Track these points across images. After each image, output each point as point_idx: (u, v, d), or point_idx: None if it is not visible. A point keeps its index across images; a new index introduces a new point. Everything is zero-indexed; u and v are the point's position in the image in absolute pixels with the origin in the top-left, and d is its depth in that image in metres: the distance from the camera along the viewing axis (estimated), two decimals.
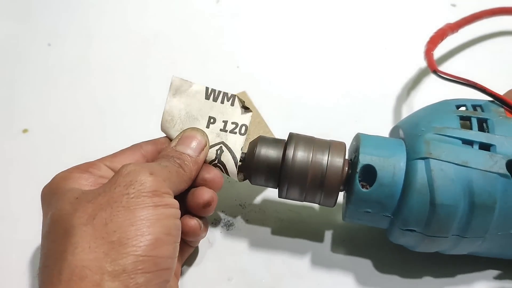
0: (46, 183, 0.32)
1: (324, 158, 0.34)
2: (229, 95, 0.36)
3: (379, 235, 0.38)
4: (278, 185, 0.35)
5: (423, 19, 0.55)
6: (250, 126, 0.36)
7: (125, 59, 0.52)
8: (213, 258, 0.38)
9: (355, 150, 0.35)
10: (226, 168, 0.35)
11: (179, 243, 0.30)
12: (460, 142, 0.32)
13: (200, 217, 0.34)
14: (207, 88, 0.36)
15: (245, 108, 0.36)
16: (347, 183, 0.34)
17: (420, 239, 0.33)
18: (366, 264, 0.38)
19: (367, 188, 0.33)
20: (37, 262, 0.37)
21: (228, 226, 0.40)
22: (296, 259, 0.38)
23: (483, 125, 0.34)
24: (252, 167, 0.35)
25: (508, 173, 0.31)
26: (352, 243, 0.39)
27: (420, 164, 0.32)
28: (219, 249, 0.38)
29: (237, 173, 0.35)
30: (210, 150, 0.35)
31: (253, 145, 0.35)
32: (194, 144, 0.34)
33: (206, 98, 0.36)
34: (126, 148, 0.35)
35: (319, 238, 0.39)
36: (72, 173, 0.32)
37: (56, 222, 0.29)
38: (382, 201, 0.33)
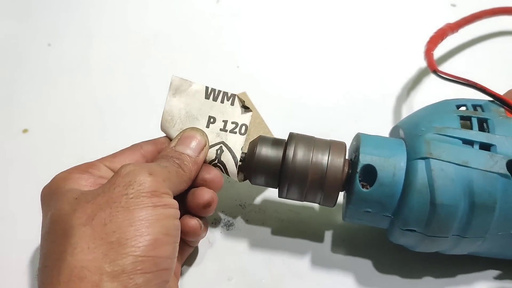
0: (46, 184, 0.32)
1: (324, 158, 0.34)
2: (229, 95, 0.36)
3: (379, 235, 0.38)
4: (278, 185, 0.35)
5: (423, 19, 0.55)
6: (250, 126, 0.36)
7: (125, 59, 0.52)
8: (213, 258, 0.38)
9: (355, 150, 0.35)
10: (226, 168, 0.35)
11: (178, 243, 0.30)
12: (460, 142, 0.32)
13: (200, 217, 0.34)
14: (207, 88, 0.36)
15: (245, 108, 0.36)
16: (347, 183, 0.34)
17: (420, 239, 0.33)
18: (366, 264, 0.38)
19: (367, 188, 0.33)
20: (37, 262, 0.36)
21: (228, 226, 0.40)
22: (296, 259, 0.38)
23: (483, 125, 0.34)
24: (252, 167, 0.35)
25: (509, 173, 0.31)
26: (352, 243, 0.39)
27: (421, 164, 0.32)
28: (219, 249, 0.38)
29: (237, 173, 0.35)
30: (210, 150, 0.35)
31: (253, 145, 0.35)
32: (193, 144, 0.34)
33: (206, 98, 0.36)
34: (125, 148, 0.35)
35: (319, 238, 0.39)
36: (72, 173, 0.32)
37: (56, 223, 0.29)
38: (382, 201, 0.33)
